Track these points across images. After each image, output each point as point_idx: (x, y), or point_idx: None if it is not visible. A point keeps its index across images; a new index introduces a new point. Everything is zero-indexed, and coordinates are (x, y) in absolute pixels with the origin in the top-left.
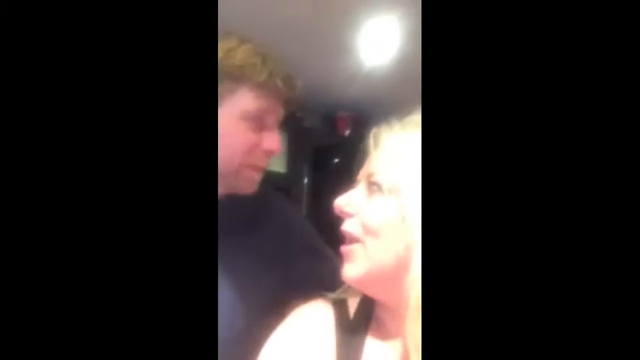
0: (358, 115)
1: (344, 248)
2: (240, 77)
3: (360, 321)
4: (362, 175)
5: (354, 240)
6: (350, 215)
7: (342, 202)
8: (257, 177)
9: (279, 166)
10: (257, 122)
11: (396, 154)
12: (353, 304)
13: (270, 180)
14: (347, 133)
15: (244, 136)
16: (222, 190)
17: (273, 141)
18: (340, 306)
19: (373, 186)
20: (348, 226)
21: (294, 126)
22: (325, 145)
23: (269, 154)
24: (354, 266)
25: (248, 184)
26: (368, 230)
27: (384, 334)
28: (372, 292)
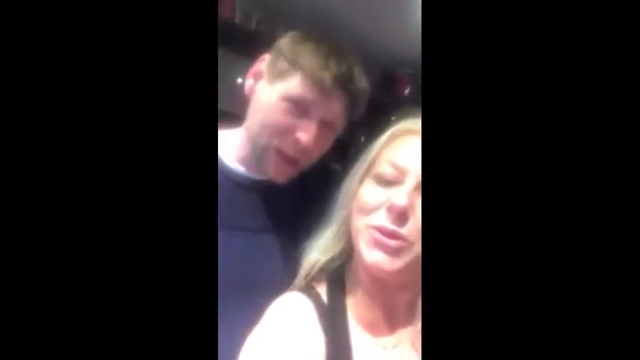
0: (417, 74)
1: (397, 243)
2: (294, 63)
3: (338, 305)
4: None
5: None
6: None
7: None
8: (283, 166)
9: None
10: (298, 108)
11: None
12: (322, 291)
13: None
14: (406, 92)
15: (279, 115)
16: (244, 168)
17: (307, 131)
18: (313, 294)
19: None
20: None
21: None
22: (383, 103)
23: (299, 144)
24: (400, 260)
25: (272, 168)
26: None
27: (363, 313)
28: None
